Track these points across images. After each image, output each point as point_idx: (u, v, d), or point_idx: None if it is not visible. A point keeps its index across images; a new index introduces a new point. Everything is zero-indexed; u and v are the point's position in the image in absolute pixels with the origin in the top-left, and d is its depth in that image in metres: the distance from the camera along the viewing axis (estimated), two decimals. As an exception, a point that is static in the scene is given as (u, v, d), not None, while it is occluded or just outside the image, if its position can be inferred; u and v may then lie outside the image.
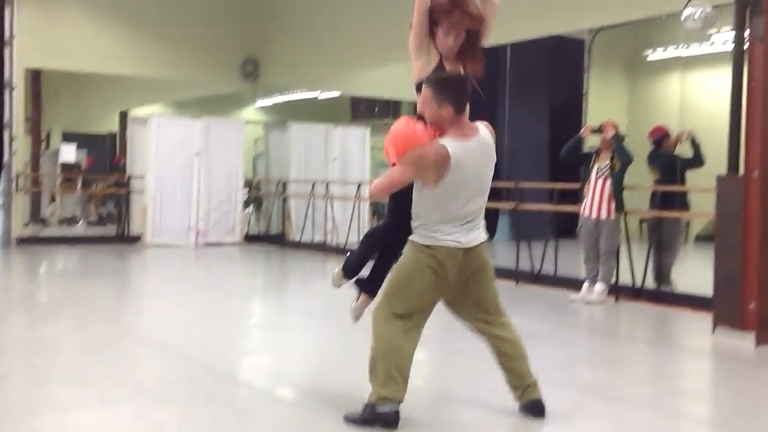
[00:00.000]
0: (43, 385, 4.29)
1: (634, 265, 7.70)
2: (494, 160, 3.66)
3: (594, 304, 7.44)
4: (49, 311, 6.84)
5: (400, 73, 14.78)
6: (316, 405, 4.01)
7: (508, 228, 13.11)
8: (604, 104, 13.83)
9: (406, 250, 3.64)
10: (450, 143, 3.49)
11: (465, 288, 3.65)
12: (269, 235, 14.39)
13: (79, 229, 16.45)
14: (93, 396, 4.06)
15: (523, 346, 3.76)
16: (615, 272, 7.62)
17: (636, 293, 7.68)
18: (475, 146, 3.56)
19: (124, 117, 19.40)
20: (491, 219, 16.37)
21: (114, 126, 20.53)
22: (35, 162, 17.63)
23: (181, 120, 13.76)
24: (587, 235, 7.72)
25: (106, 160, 19.86)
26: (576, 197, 8.23)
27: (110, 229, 14.28)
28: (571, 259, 9.10)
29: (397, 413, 3.54)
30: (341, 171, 14.14)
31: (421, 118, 3.63)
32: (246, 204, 14.45)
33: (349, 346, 5.59)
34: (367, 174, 14.20)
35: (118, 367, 4.75)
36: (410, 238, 3.63)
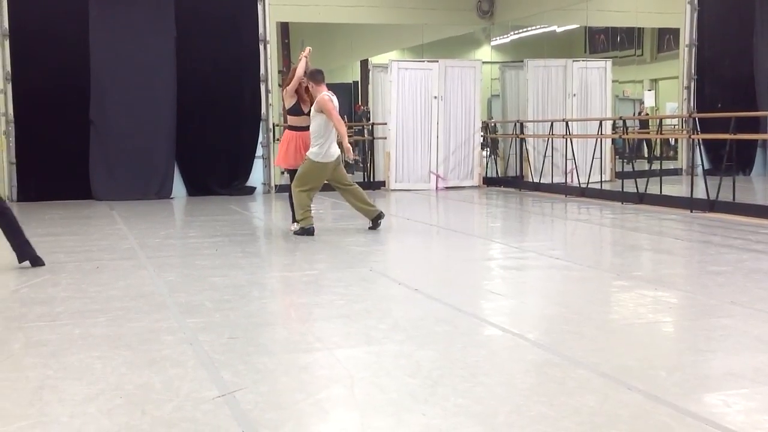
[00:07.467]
0: (311, 323, 4.65)
1: None
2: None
3: None
4: (304, 255, 7.36)
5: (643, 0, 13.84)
6: (570, 350, 3.96)
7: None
8: None
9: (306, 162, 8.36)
10: (326, 93, 8.06)
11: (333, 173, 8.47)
12: (507, 177, 14.34)
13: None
14: (357, 334, 4.33)
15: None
16: None
17: None
18: (331, 96, 8.09)
19: (364, 65, 20.11)
20: (747, 151, 15.09)
21: (356, 75, 21.38)
22: (288, 113, 18.82)
23: (420, 63, 14.01)
24: None
25: (351, 108, 20.80)
26: None
27: (357, 176, 15.01)
28: None
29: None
30: (580, 108, 13.65)
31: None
32: (483, 147, 14.48)
33: (593, 289, 5.46)
34: (608, 110, 13.57)
35: (376, 307, 5.02)
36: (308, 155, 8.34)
